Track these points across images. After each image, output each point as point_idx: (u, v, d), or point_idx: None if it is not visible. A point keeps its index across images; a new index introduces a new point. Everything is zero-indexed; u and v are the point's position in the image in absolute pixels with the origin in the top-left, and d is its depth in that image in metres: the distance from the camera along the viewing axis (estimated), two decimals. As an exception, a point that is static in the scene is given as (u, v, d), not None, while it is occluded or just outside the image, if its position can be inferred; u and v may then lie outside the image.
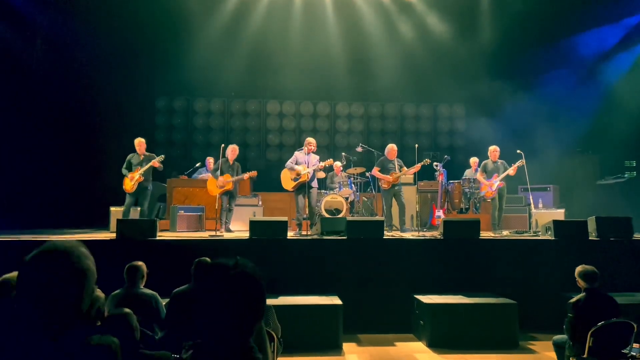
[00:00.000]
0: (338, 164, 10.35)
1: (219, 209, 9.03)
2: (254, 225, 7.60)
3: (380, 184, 9.72)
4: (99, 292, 3.75)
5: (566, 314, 4.64)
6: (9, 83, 10.43)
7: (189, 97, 14.28)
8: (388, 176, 9.50)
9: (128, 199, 8.94)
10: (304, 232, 8.62)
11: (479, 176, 9.62)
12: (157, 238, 7.55)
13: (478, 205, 10.35)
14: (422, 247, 7.78)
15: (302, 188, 8.77)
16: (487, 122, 12.52)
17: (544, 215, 9.91)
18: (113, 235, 7.74)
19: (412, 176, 10.37)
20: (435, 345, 6.51)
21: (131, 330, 3.41)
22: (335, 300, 6.64)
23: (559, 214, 10.13)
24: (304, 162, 8.84)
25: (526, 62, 12.95)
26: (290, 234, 8.07)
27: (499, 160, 9.51)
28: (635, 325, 4.45)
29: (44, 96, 11.06)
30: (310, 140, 9.10)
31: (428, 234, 8.53)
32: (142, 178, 8.85)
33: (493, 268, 7.62)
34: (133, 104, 12.72)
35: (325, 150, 13.76)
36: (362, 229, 7.72)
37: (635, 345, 4.52)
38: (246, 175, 9.30)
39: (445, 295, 6.93)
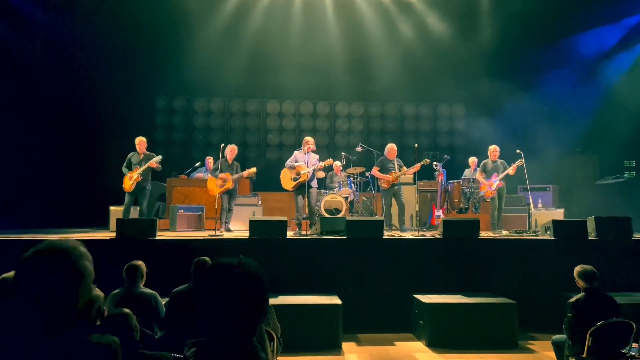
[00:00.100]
0: (338, 163, 10.35)
1: (219, 208, 9.03)
2: (253, 224, 7.61)
3: (379, 183, 9.72)
4: (98, 292, 3.75)
5: (565, 313, 4.65)
6: (9, 83, 10.42)
7: (188, 96, 14.29)
8: (388, 176, 9.50)
9: (127, 199, 8.95)
10: (303, 232, 8.63)
11: (479, 176, 9.62)
12: (157, 237, 7.55)
13: (477, 205, 10.35)
14: (421, 247, 7.78)
15: (302, 188, 8.77)
16: (487, 122, 12.53)
17: (544, 215, 9.90)
18: (113, 235, 7.74)
19: (412, 176, 10.37)
20: (434, 344, 6.51)
21: (131, 330, 3.41)
22: (335, 300, 6.64)
23: (559, 213, 10.13)
24: (304, 161, 8.84)
25: (526, 62, 12.96)
26: (290, 234, 8.07)
27: (499, 160, 9.50)
28: (634, 325, 4.45)
29: (44, 96, 11.06)
30: (308, 139, 9.10)
31: (427, 234, 8.53)
32: (141, 178, 8.86)
33: (492, 268, 7.63)
34: (133, 104, 12.72)
35: (325, 150, 13.77)
36: (361, 229, 7.72)
37: (634, 345, 4.52)
38: (245, 173, 9.30)
39: (444, 295, 6.93)
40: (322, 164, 8.86)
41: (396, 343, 6.76)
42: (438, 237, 7.97)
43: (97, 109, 11.88)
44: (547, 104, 12.75)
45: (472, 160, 11.12)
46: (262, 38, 12.63)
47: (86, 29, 11.29)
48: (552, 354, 5.22)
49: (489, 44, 12.66)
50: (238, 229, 9.38)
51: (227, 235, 8.55)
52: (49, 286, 1.54)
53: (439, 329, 6.57)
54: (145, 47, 12.27)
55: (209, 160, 11.49)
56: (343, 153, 10.83)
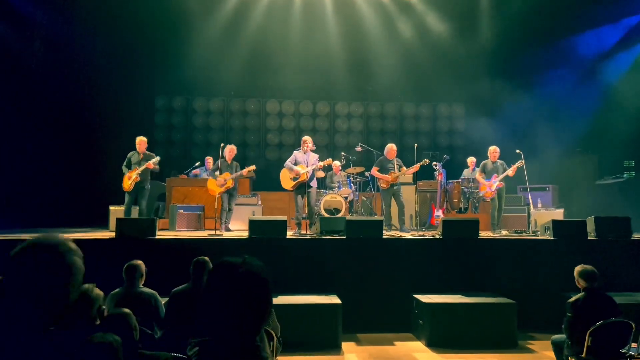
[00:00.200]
0: (337, 163, 10.34)
1: (218, 208, 9.03)
2: (253, 224, 7.61)
3: (378, 183, 9.72)
4: (98, 291, 3.76)
5: (565, 313, 4.65)
6: (9, 83, 10.42)
7: (188, 96, 14.30)
8: (387, 176, 9.50)
9: (127, 198, 8.97)
10: (303, 232, 8.63)
11: (478, 176, 9.61)
12: (157, 237, 7.55)
13: (477, 205, 10.35)
14: (421, 247, 7.78)
15: (302, 187, 8.77)
16: (487, 122, 12.53)
17: (543, 215, 9.91)
18: (112, 234, 7.74)
19: (411, 176, 10.36)
20: (434, 344, 6.51)
21: (130, 330, 3.42)
22: (335, 300, 6.64)
23: (558, 213, 10.13)
24: (303, 161, 8.84)
25: (526, 61, 12.97)
26: (290, 234, 8.07)
27: (498, 161, 9.49)
28: (633, 325, 4.45)
29: (44, 96, 11.06)
30: (306, 138, 9.10)
31: (427, 234, 8.54)
32: (139, 178, 8.87)
33: (492, 268, 7.63)
34: (132, 103, 12.73)
35: (325, 150, 13.77)
36: (361, 229, 7.72)
37: (633, 344, 4.53)
38: (245, 171, 9.31)
39: (444, 295, 6.93)
40: (321, 163, 8.86)
41: (396, 343, 6.76)
42: (438, 237, 7.97)
43: (96, 109, 11.88)
44: (547, 104, 12.75)
45: (471, 160, 11.13)
46: (262, 38, 12.63)
47: (86, 29, 11.31)
48: (552, 354, 5.22)
49: (489, 43, 12.68)
50: (238, 228, 9.39)
51: (226, 234, 8.55)
52: (38, 282, 1.54)
53: (439, 329, 6.57)
54: (145, 47, 12.28)
55: (209, 160, 11.51)
56: (343, 153, 10.83)
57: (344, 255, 7.52)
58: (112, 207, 9.50)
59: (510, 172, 9.25)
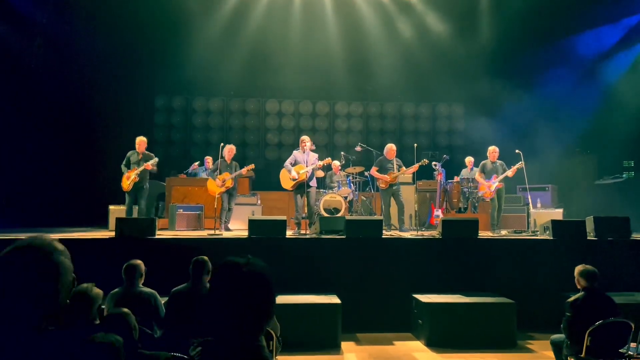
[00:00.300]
0: (337, 163, 10.35)
1: (218, 207, 9.04)
2: (252, 224, 7.62)
3: (377, 183, 9.73)
4: (97, 291, 3.77)
5: (564, 313, 4.66)
6: (8, 83, 10.42)
7: (188, 96, 14.30)
8: (385, 176, 9.50)
9: (127, 199, 8.99)
10: (302, 231, 8.63)
11: (478, 177, 9.61)
12: (156, 237, 7.56)
13: (476, 204, 10.36)
14: (420, 247, 7.79)
15: (301, 187, 8.78)
16: (486, 122, 12.54)
17: (543, 214, 9.92)
18: (112, 234, 7.75)
19: (411, 176, 10.37)
20: (433, 344, 6.51)
21: (129, 329, 3.42)
22: (334, 300, 6.65)
23: (557, 213, 10.14)
24: (303, 161, 8.85)
25: (525, 61, 12.96)
26: (289, 233, 8.07)
27: (498, 161, 9.49)
28: (633, 325, 4.46)
29: (44, 96, 11.06)
30: (304, 138, 9.11)
31: (427, 234, 8.55)
32: (138, 178, 8.89)
33: (491, 268, 7.63)
34: (132, 103, 12.73)
35: (324, 150, 13.78)
36: (360, 229, 7.72)
37: (632, 344, 4.54)
38: (244, 170, 9.32)
39: (443, 295, 6.94)
40: (320, 163, 8.87)
41: (395, 342, 6.76)
42: (437, 236, 7.98)
43: (96, 109, 11.87)
44: (547, 104, 12.74)
45: (469, 160, 11.13)
46: (262, 37, 12.63)
47: (85, 28, 11.29)
48: (551, 354, 5.22)
49: (488, 43, 12.68)
50: (237, 228, 9.40)
51: (226, 234, 8.55)
52: (26, 282, 1.55)
53: (438, 329, 6.58)
54: (145, 47, 12.27)
55: (208, 159, 11.52)
56: (342, 152, 10.84)
57: (344, 255, 7.53)
58: (111, 207, 9.52)
59: (509, 173, 9.24)
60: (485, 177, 9.44)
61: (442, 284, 7.32)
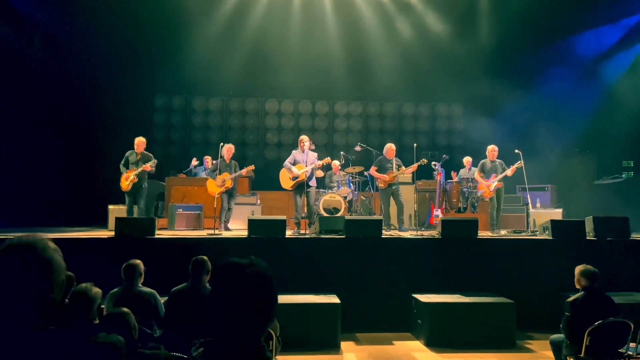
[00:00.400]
0: (336, 162, 10.36)
1: (218, 207, 9.04)
2: (252, 224, 7.61)
3: (377, 183, 9.74)
4: (96, 289, 3.77)
5: (563, 313, 4.66)
6: (9, 83, 10.42)
7: (187, 95, 14.30)
8: (384, 176, 9.50)
9: (127, 199, 9.00)
10: (302, 231, 8.63)
11: (477, 176, 9.61)
12: (156, 236, 7.56)
13: (476, 204, 10.36)
14: (420, 247, 7.79)
15: (301, 187, 8.78)
16: (486, 122, 12.54)
17: (542, 214, 9.93)
18: (112, 234, 7.75)
19: (411, 175, 10.37)
20: (433, 344, 6.51)
21: (130, 329, 3.42)
22: (334, 299, 6.65)
23: (557, 213, 10.14)
24: (302, 160, 8.85)
25: (525, 61, 12.97)
26: (289, 233, 8.07)
27: (497, 160, 9.48)
28: (632, 325, 4.46)
29: (44, 96, 11.07)
30: (303, 138, 9.12)
31: (426, 233, 8.55)
32: (137, 179, 8.89)
33: (491, 267, 7.64)
34: (132, 102, 12.73)
35: (324, 149, 13.78)
36: (360, 228, 7.72)
37: (632, 344, 4.54)
38: (244, 171, 9.32)
39: (443, 295, 6.94)
40: (320, 162, 8.87)
41: (395, 342, 6.77)
42: (437, 236, 7.98)
43: (96, 108, 11.87)
44: (546, 104, 12.76)
45: (467, 160, 11.12)
46: (261, 37, 12.63)
47: (85, 28, 11.28)
48: (550, 354, 5.22)
49: (488, 43, 12.68)
50: (237, 228, 9.39)
51: (225, 234, 8.55)
52: (20, 280, 1.56)
53: (438, 329, 6.58)
54: (144, 46, 12.26)
55: (207, 159, 11.51)
56: (342, 152, 10.84)
57: (343, 254, 7.53)
58: (111, 207, 9.52)
59: (509, 172, 9.23)
60: (485, 177, 9.43)
61: (441, 283, 7.33)
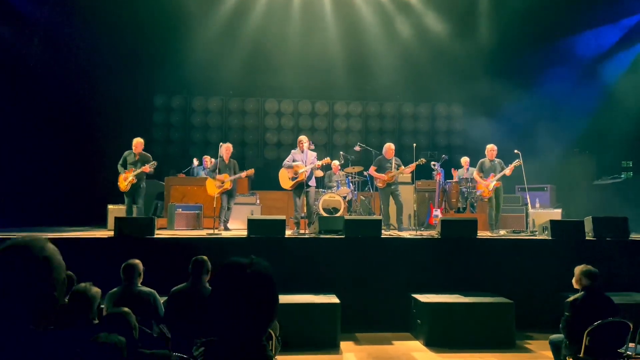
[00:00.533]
0: (336, 162, 10.35)
1: (217, 207, 9.04)
2: (252, 223, 7.61)
3: (376, 183, 9.74)
4: (95, 289, 3.77)
5: (563, 313, 4.66)
6: (8, 83, 10.42)
7: (187, 95, 14.30)
8: (383, 175, 9.50)
9: (126, 199, 9.00)
10: (301, 231, 8.63)
11: (476, 175, 9.61)
12: (155, 236, 7.56)
13: (475, 204, 10.36)
14: (419, 247, 7.79)
15: (300, 187, 8.78)
16: (485, 122, 12.54)
17: (541, 215, 9.93)
18: (111, 233, 7.74)
19: (410, 175, 10.38)
20: (432, 344, 6.51)
21: (130, 329, 3.42)
22: (333, 299, 6.65)
23: (556, 213, 10.14)
24: (301, 160, 8.85)
25: (524, 61, 12.98)
26: (288, 233, 8.07)
27: (496, 160, 9.48)
28: (631, 325, 4.47)
29: (44, 96, 11.05)
30: (302, 138, 9.12)
31: (425, 233, 8.55)
32: (135, 180, 8.89)
33: (490, 267, 7.63)
34: (131, 102, 12.73)
35: (324, 149, 13.78)
36: (359, 228, 7.72)
37: (631, 344, 4.54)
38: (244, 174, 9.32)
39: (442, 295, 6.94)
40: (319, 162, 8.88)
41: (394, 342, 6.77)
42: (436, 236, 7.99)
43: (96, 108, 11.87)
44: (545, 104, 12.76)
45: (465, 160, 11.12)
46: (261, 37, 12.64)
47: (85, 27, 11.28)
48: (550, 354, 5.22)
49: (487, 43, 12.69)
50: (236, 227, 9.39)
51: (225, 234, 8.55)
52: (20, 280, 1.56)
53: (437, 328, 6.58)
54: (144, 46, 12.27)
55: (206, 158, 11.51)
56: (341, 152, 10.84)
57: (343, 254, 7.53)
58: (110, 206, 9.52)
59: (507, 171, 9.23)
60: (483, 176, 9.43)
61: (441, 283, 7.33)
